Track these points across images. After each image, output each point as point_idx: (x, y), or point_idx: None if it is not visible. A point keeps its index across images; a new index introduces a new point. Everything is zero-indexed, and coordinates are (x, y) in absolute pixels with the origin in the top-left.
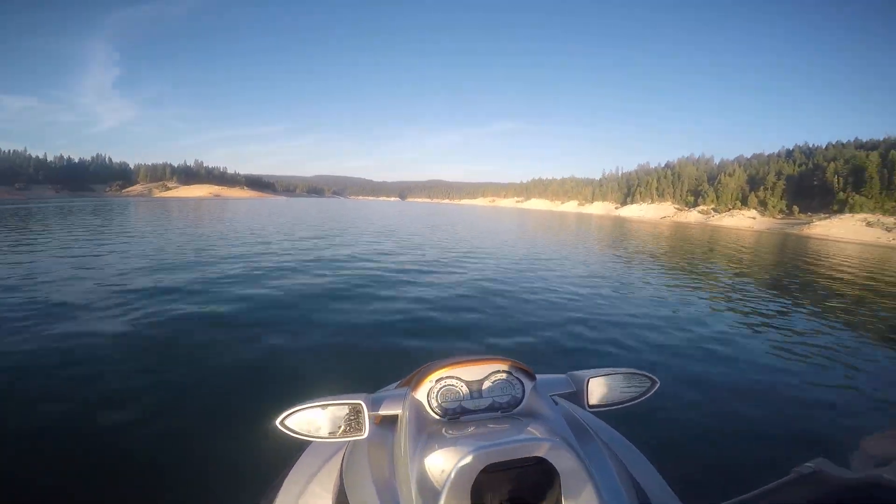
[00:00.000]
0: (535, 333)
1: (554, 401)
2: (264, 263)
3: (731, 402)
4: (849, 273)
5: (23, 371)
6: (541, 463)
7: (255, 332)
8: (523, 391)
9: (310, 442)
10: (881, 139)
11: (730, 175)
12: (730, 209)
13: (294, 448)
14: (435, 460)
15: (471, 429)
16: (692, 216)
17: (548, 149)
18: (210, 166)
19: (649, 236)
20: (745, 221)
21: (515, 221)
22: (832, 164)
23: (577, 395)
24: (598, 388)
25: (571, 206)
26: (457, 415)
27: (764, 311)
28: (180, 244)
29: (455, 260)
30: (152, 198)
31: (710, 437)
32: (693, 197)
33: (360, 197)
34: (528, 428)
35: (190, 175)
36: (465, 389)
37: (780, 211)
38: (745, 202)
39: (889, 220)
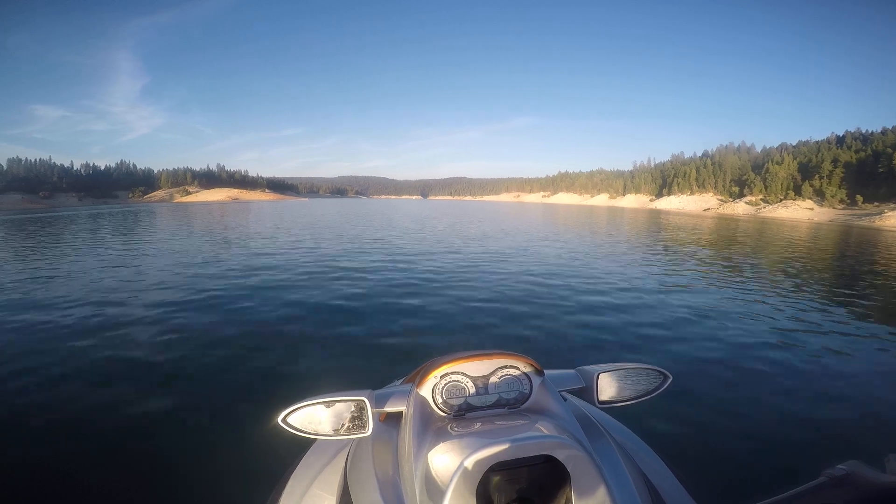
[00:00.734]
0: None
1: (563, 397)
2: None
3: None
4: None
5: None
6: (550, 462)
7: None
8: (531, 387)
9: (314, 440)
10: None
11: (778, 163)
12: (781, 200)
13: (299, 446)
14: (440, 458)
15: (477, 426)
16: (739, 208)
17: (571, 143)
18: (231, 170)
19: (711, 233)
20: (801, 213)
21: (550, 218)
22: None
23: (587, 391)
24: (608, 384)
25: (602, 200)
26: (462, 411)
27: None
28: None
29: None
30: (172, 203)
31: (740, 437)
32: (737, 187)
33: (383, 196)
34: (536, 425)
35: (212, 179)
36: (470, 385)
37: (841, 201)
38: (798, 192)
39: None
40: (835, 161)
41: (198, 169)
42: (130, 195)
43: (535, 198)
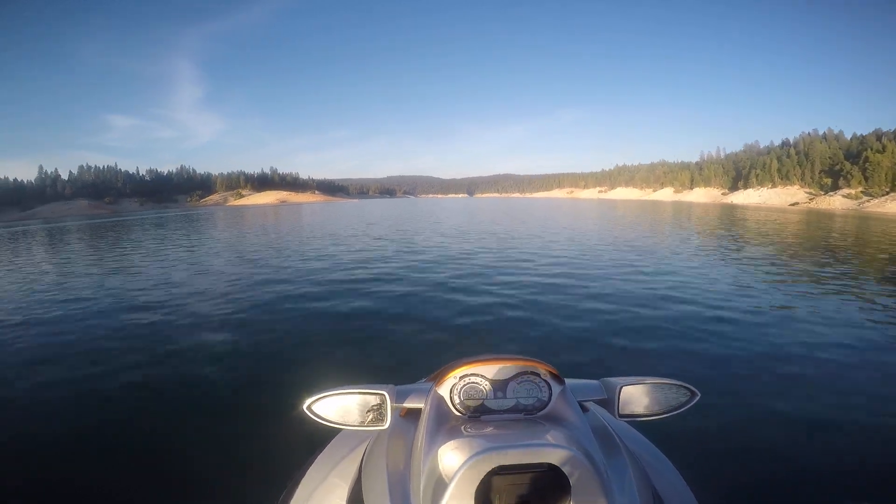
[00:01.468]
0: None
1: (585, 407)
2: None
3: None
4: None
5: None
6: (554, 471)
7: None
8: (550, 394)
9: (338, 430)
10: None
11: (879, 151)
12: (887, 192)
13: (326, 435)
14: (447, 457)
15: (489, 428)
16: (836, 202)
17: (627, 135)
18: (283, 173)
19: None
20: None
21: (643, 218)
22: None
23: (608, 403)
24: (630, 397)
25: (666, 194)
26: (478, 413)
27: None
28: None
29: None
30: (226, 206)
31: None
32: (829, 179)
33: (430, 195)
34: (549, 434)
35: (265, 182)
36: (488, 388)
37: None
38: None
39: None
40: None
41: (251, 172)
42: (188, 199)
43: (590, 193)
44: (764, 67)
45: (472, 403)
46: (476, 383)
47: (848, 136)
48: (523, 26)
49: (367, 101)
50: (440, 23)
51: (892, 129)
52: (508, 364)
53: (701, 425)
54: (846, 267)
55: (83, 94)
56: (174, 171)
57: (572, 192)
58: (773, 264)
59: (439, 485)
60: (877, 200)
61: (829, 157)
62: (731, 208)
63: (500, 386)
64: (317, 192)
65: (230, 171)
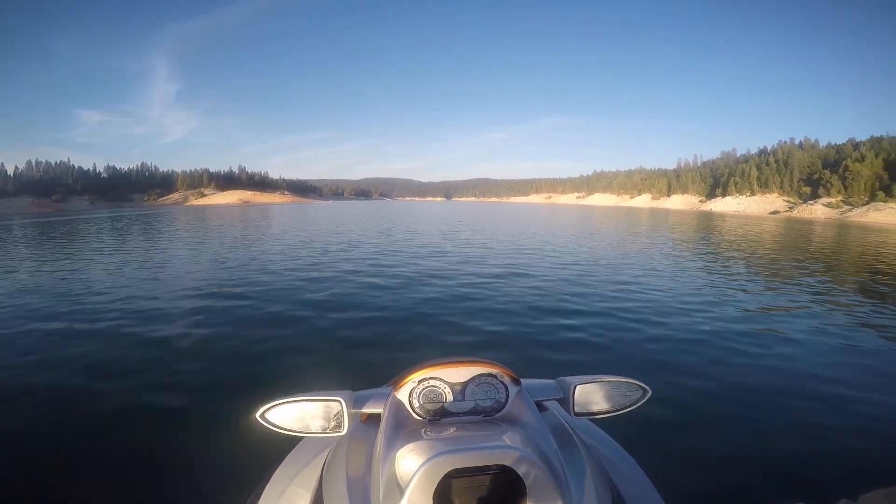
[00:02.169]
0: None
1: (543, 406)
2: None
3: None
4: None
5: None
6: (511, 472)
7: None
8: (507, 395)
9: (300, 439)
10: None
11: (858, 160)
12: (866, 201)
13: (288, 444)
14: (405, 461)
15: (448, 431)
16: (818, 210)
17: (606, 142)
18: (251, 171)
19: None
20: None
21: (621, 224)
22: None
23: (564, 402)
24: (584, 396)
25: (644, 201)
26: (438, 416)
27: None
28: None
29: None
30: (183, 206)
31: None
32: (808, 188)
33: (407, 198)
34: (505, 434)
35: (231, 181)
36: (447, 391)
37: None
38: (888, 192)
39: None
40: None
41: (217, 170)
42: (146, 198)
43: (568, 199)
44: (740, 76)
45: (431, 407)
46: (435, 387)
47: (822, 145)
48: (505, 32)
49: (345, 103)
50: (421, 28)
51: (867, 139)
52: (466, 367)
53: (671, 422)
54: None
55: (55, 90)
56: (135, 167)
57: (550, 197)
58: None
59: (398, 488)
60: (858, 210)
61: (808, 166)
62: (710, 216)
63: (458, 388)
64: (286, 192)
65: (193, 169)
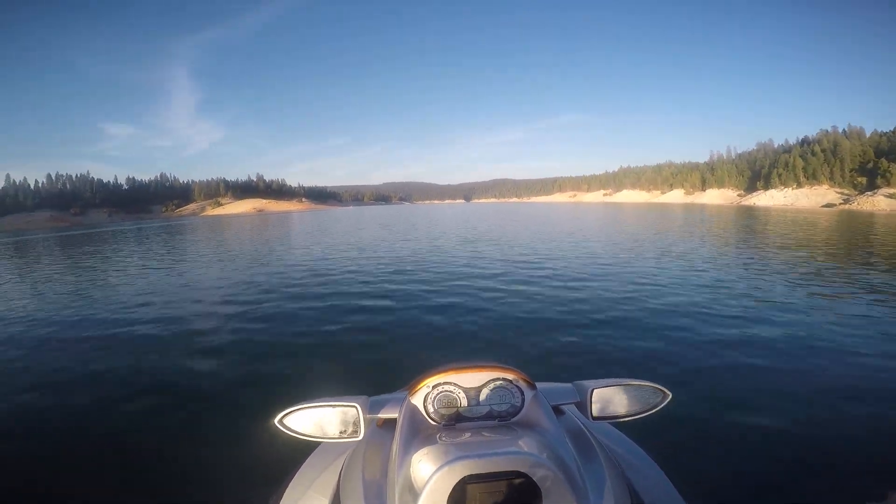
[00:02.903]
0: None
1: (560, 410)
2: None
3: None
4: None
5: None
6: (526, 477)
7: None
8: (522, 400)
9: (317, 443)
10: None
11: None
12: None
13: (307, 448)
14: (420, 466)
15: (464, 436)
16: (879, 202)
17: (630, 137)
18: (269, 179)
19: None
20: None
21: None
22: None
23: (581, 406)
24: (602, 399)
25: (676, 197)
26: (453, 421)
27: None
28: None
29: None
30: (198, 217)
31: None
32: (863, 178)
33: (426, 201)
34: (521, 439)
35: (248, 189)
36: (462, 396)
37: None
38: None
39: None
40: None
41: (234, 179)
42: (164, 209)
43: (594, 197)
44: (772, 64)
45: (446, 412)
46: (449, 391)
47: (867, 133)
48: (519, 30)
49: (362, 108)
50: (435, 30)
51: None
52: (481, 372)
53: (693, 425)
54: None
55: (83, 104)
56: (154, 179)
57: (575, 195)
58: None
59: (413, 494)
60: None
61: (859, 155)
62: (755, 211)
63: (473, 393)
64: (304, 199)
65: (209, 179)
